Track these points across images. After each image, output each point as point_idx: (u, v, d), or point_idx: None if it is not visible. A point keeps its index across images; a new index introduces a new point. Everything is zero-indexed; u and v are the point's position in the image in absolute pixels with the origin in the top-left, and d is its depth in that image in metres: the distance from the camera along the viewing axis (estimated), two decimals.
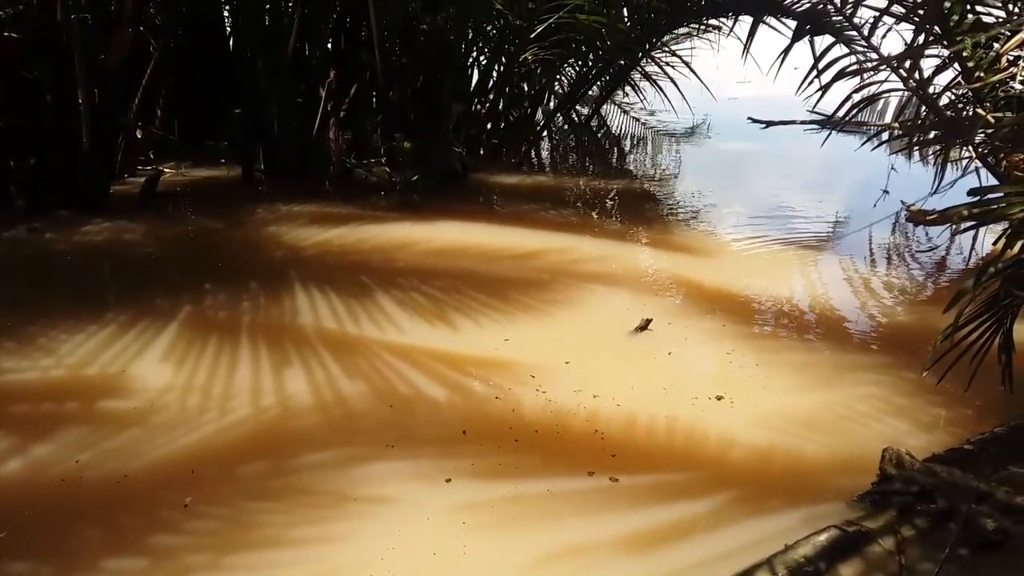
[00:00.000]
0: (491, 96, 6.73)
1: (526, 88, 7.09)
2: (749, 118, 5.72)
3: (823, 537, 1.81)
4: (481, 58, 6.67)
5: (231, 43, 6.23)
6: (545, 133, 7.73)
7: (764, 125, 5.57)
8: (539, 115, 7.51)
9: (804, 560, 1.75)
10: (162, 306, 3.27)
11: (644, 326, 3.08)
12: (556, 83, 7.35)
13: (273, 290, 3.48)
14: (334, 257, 4.02)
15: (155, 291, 3.43)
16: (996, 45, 4.06)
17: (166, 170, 5.44)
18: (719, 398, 2.57)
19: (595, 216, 5.03)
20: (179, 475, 2.15)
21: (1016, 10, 3.95)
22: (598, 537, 1.92)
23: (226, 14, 6.31)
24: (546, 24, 5.72)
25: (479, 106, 6.61)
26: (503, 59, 6.42)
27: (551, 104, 7.71)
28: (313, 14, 5.47)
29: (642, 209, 5.27)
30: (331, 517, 2.00)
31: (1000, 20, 3.94)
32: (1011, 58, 3.77)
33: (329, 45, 5.95)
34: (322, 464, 2.22)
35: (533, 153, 7.09)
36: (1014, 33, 3.94)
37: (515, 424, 2.42)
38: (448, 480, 2.13)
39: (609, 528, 1.96)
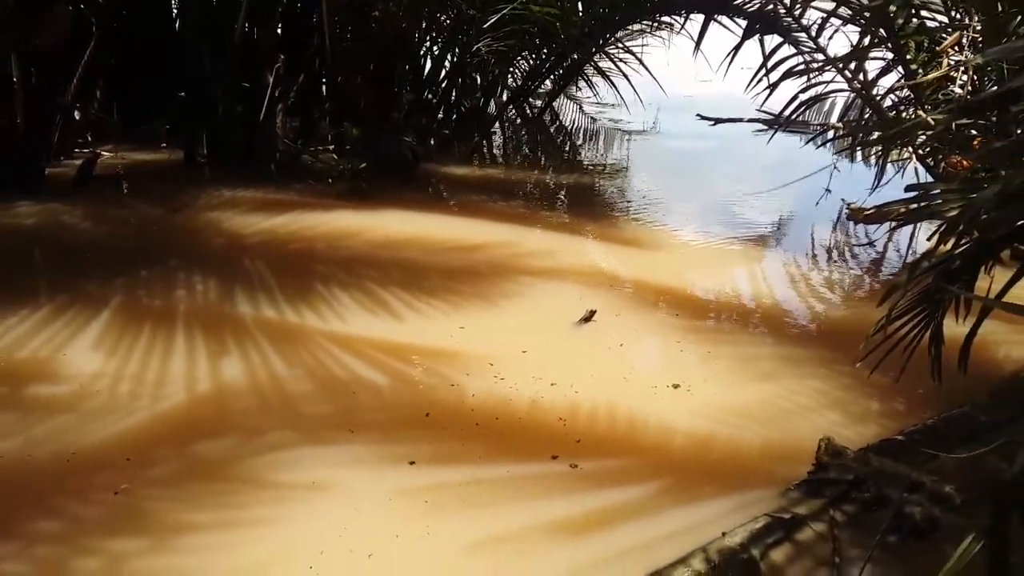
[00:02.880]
0: (444, 86, 6.69)
1: (479, 79, 7.05)
2: (698, 115, 5.78)
3: (758, 525, 1.83)
4: (434, 47, 6.62)
5: (176, 24, 6.06)
6: (497, 125, 7.70)
7: (713, 122, 5.64)
8: (492, 107, 7.48)
9: (738, 547, 1.77)
10: (95, 292, 3.16)
11: (588, 317, 3.08)
12: (509, 75, 7.33)
13: (212, 278, 3.39)
14: (277, 245, 3.94)
15: (88, 276, 3.32)
16: (938, 48, 4.16)
17: (104, 153, 5.29)
18: (676, 386, 2.60)
19: (544, 209, 5.02)
20: (112, 461, 2.09)
21: (957, 15, 4.05)
22: (544, 520, 1.92)
23: None
24: (500, 15, 5.69)
25: (431, 95, 6.56)
26: (456, 49, 6.38)
27: (504, 96, 7.68)
28: None
29: (592, 203, 5.28)
30: (273, 500, 1.96)
31: (942, 24, 4.04)
32: (951, 62, 3.87)
33: (278, 29, 5.83)
34: (264, 450, 2.17)
35: (485, 145, 7.06)
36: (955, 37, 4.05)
37: (476, 408, 2.42)
38: (412, 463, 2.12)
39: (560, 512, 1.96)
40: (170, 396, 2.43)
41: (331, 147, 5.65)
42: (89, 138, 5.53)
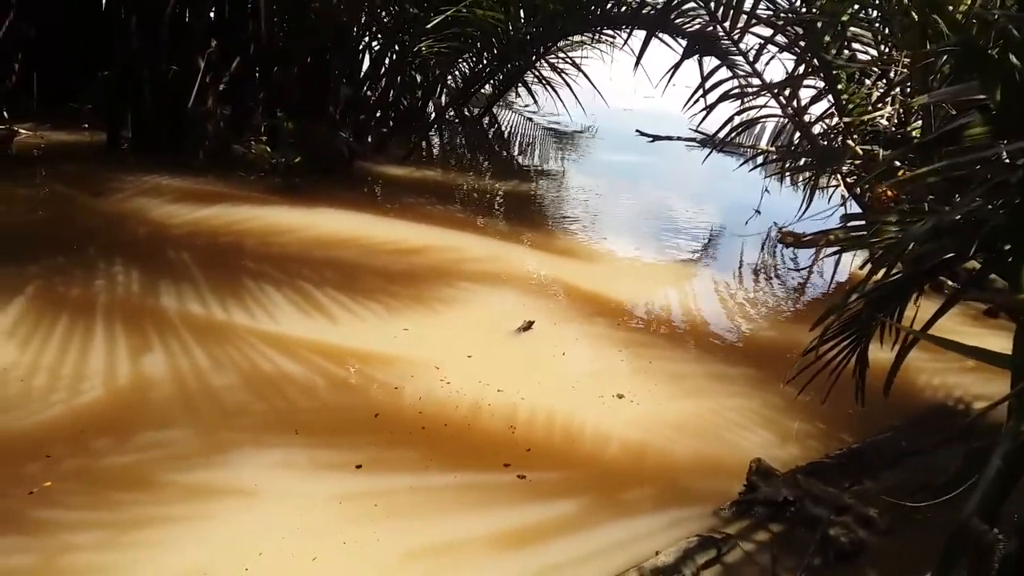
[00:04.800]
0: (383, 84, 6.59)
1: (419, 79, 6.98)
2: (637, 131, 5.88)
3: (691, 543, 1.85)
4: (374, 43, 6.51)
5: (104, 1, 5.79)
6: (436, 127, 7.64)
7: (651, 139, 5.74)
8: (431, 108, 7.42)
9: (672, 565, 1.78)
10: (8, 279, 2.99)
11: (527, 327, 3.07)
12: (450, 77, 7.28)
13: (134, 268, 3.25)
14: (204, 238, 3.80)
15: (1, 262, 3.13)
16: (868, 81, 4.34)
17: (22, 131, 5.01)
18: (620, 396, 2.63)
19: (482, 215, 5.00)
20: (29, 456, 1.99)
21: (886, 50, 4.23)
22: (487, 531, 1.92)
23: None
24: (443, 16, 5.64)
25: (369, 93, 6.45)
26: (396, 47, 6.30)
27: (444, 98, 7.63)
28: None
29: (529, 211, 5.29)
30: (204, 502, 1.90)
31: (873, 58, 4.20)
32: (888, 97, 4.03)
33: (212, 14, 5.64)
34: (193, 452, 2.10)
35: (423, 146, 6.99)
36: (883, 71, 4.22)
37: (424, 411, 2.41)
38: (359, 466, 2.10)
39: (505, 523, 1.96)
40: (88, 392, 2.31)
41: (264, 138, 5.49)
42: (5, 114, 5.22)
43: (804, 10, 4.32)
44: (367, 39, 6.48)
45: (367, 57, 6.54)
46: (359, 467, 2.10)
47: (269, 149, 5.23)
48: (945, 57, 3.55)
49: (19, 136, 4.77)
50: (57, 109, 5.54)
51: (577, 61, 7.50)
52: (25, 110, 5.37)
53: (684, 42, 5.22)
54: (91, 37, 5.43)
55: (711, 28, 4.92)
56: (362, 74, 6.48)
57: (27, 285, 2.95)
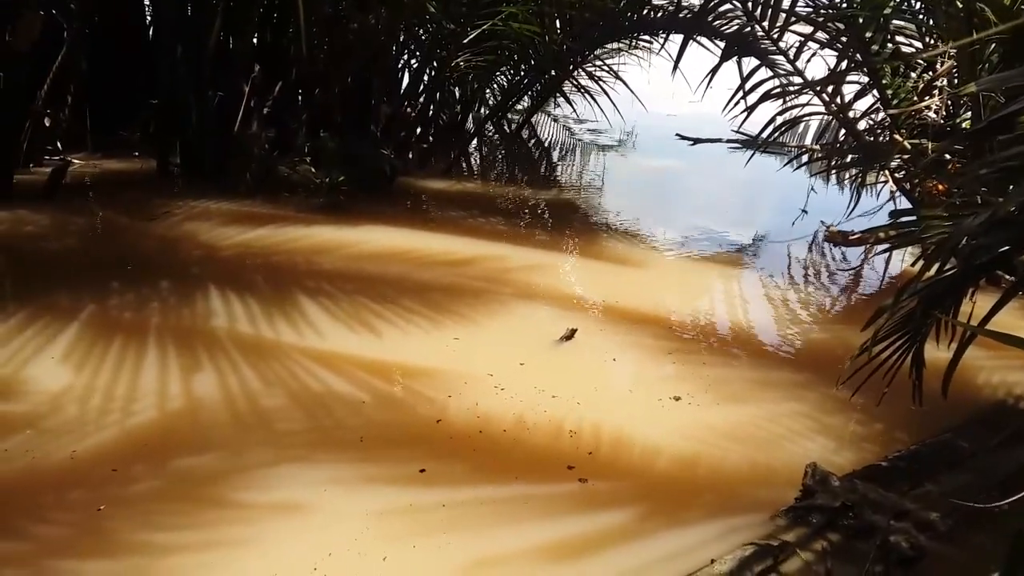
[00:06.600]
0: (422, 100, 6.66)
1: (458, 94, 7.04)
2: (677, 134, 5.83)
3: (747, 552, 1.81)
4: (412, 61, 6.59)
5: (150, 31, 5.97)
6: (475, 140, 7.69)
7: (692, 142, 5.69)
8: (470, 122, 7.47)
9: (727, 574, 1.74)
10: (63, 304, 3.07)
11: (570, 336, 3.06)
12: (488, 91, 7.32)
13: (185, 291, 3.31)
14: (253, 258, 3.87)
15: (56, 288, 3.23)
16: (913, 75, 4.23)
17: (75, 161, 5.18)
18: (677, 399, 2.64)
19: (525, 225, 5.00)
20: (88, 476, 2.03)
21: (931, 42, 4.13)
22: (546, 540, 1.91)
23: (146, 1, 6.05)
24: (479, 30, 5.69)
25: (409, 109, 6.52)
26: (435, 63, 6.36)
27: (482, 111, 7.67)
28: (238, 5, 5.29)
29: (570, 220, 5.27)
30: (265, 517, 1.92)
31: (917, 50, 4.11)
32: (935, 89, 3.93)
33: (254, 39, 5.77)
34: (247, 468, 2.12)
35: (463, 159, 7.04)
36: (929, 63, 4.12)
37: (482, 415, 2.44)
38: (422, 470, 2.12)
39: (564, 531, 1.96)
40: (142, 412, 2.36)
41: (308, 159, 5.58)
42: (59, 145, 5.40)
43: (844, 5, 4.24)
44: (406, 57, 6.56)
45: (406, 74, 6.61)
46: (423, 471, 2.12)
47: (313, 169, 5.32)
48: (993, 45, 3.45)
49: (73, 166, 4.92)
50: (109, 139, 5.71)
51: (614, 68, 7.48)
52: (78, 141, 5.54)
53: (722, 44, 5.16)
54: (139, 67, 5.59)
55: (749, 28, 4.85)
56: (402, 91, 6.56)
57: (82, 310, 3.03)
